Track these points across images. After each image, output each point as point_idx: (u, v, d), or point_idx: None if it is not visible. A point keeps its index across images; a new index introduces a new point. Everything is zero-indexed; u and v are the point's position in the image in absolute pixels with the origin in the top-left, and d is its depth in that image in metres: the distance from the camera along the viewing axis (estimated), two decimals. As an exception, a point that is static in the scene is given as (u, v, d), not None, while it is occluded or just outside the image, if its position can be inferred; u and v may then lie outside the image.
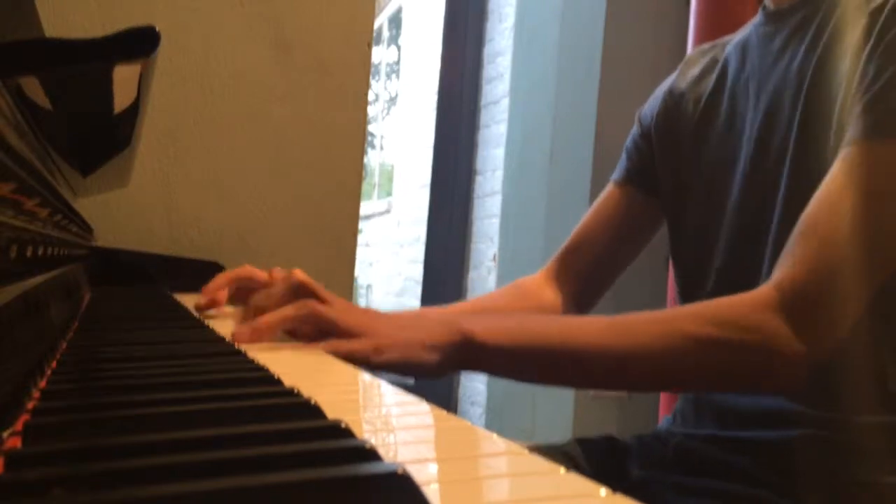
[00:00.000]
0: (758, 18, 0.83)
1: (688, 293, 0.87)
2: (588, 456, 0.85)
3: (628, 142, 0.97)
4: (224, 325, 0.71)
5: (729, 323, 0.64)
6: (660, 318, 0.67)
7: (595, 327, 0.67)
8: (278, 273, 0.82)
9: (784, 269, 0.65)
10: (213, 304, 0.84)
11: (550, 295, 0.95)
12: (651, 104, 0.95)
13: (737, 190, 0.80)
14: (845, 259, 0.63)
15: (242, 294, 0.84)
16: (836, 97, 0.69)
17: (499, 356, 0.65)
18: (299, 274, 0.68)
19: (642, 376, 0.68)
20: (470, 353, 0.64)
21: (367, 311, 0.67)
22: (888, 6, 0.66)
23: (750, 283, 0.68)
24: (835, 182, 0.65)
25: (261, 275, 0.85)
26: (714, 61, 0.89)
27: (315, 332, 0.62)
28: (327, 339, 0.61)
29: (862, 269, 0.64)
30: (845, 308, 0.64)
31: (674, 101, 0.91)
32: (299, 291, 0.66)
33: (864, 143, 0.64)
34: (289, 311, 0.62)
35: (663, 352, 0.64)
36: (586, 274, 0.96)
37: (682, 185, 0.88)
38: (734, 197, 0.80)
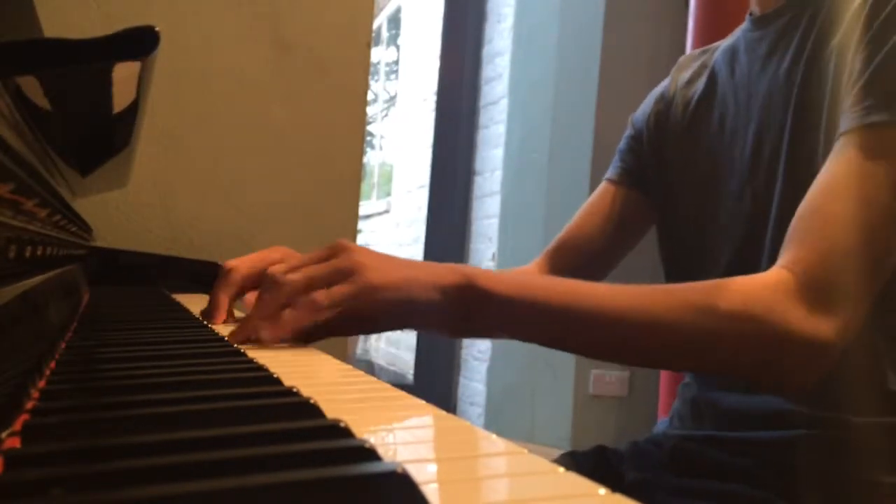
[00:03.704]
0: (745, 24, 0.84)
1: None
2: (580, 466, 0.85)
3: (621, 144, 0.98)
4: (223, 325, 0.71)
5: (742, 299, 0.59)
6: (671, 289, 0.63)
7: (604, 292, 0.62)
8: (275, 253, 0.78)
9: (791, 252, 0.62)
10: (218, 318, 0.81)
11: None
12: (643, 108, 0.97)
13: (731, 194, 0.80)
14: (851, 241, 0.61)
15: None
16: (825, 97, 0.69)
17: (501, 305, 0.60)
18: (270, 262, 0.66)
19: (649, 346, 0.63)
20: (472, 298, 0.59)
21: (366, 253, 0.60)
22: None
23: None
24: (835, 168, 0.64)
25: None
26: (703, 66, 0.90)
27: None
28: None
29: (867, 252, 0.61)
30: (860, 288, 0.62)
31: (664, 104, 0.93)
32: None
33: (860, 130, 0.63)
34: (301, 318, 0.57)
35: (675, 322, 0.60)
36: (576, 269, 0.96)
37: (672, 188, 0.89)
38: (729, 201, 0.80)
